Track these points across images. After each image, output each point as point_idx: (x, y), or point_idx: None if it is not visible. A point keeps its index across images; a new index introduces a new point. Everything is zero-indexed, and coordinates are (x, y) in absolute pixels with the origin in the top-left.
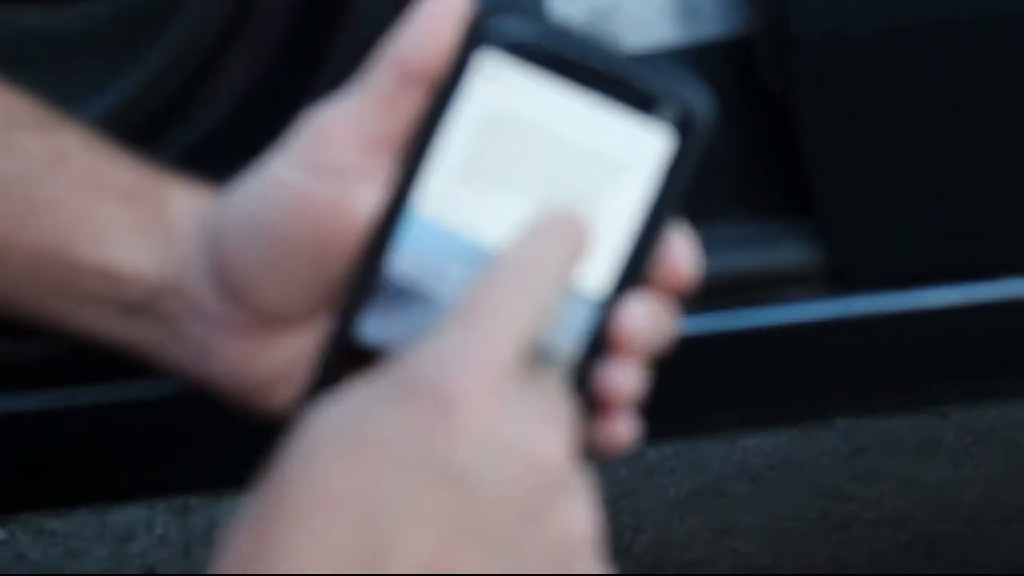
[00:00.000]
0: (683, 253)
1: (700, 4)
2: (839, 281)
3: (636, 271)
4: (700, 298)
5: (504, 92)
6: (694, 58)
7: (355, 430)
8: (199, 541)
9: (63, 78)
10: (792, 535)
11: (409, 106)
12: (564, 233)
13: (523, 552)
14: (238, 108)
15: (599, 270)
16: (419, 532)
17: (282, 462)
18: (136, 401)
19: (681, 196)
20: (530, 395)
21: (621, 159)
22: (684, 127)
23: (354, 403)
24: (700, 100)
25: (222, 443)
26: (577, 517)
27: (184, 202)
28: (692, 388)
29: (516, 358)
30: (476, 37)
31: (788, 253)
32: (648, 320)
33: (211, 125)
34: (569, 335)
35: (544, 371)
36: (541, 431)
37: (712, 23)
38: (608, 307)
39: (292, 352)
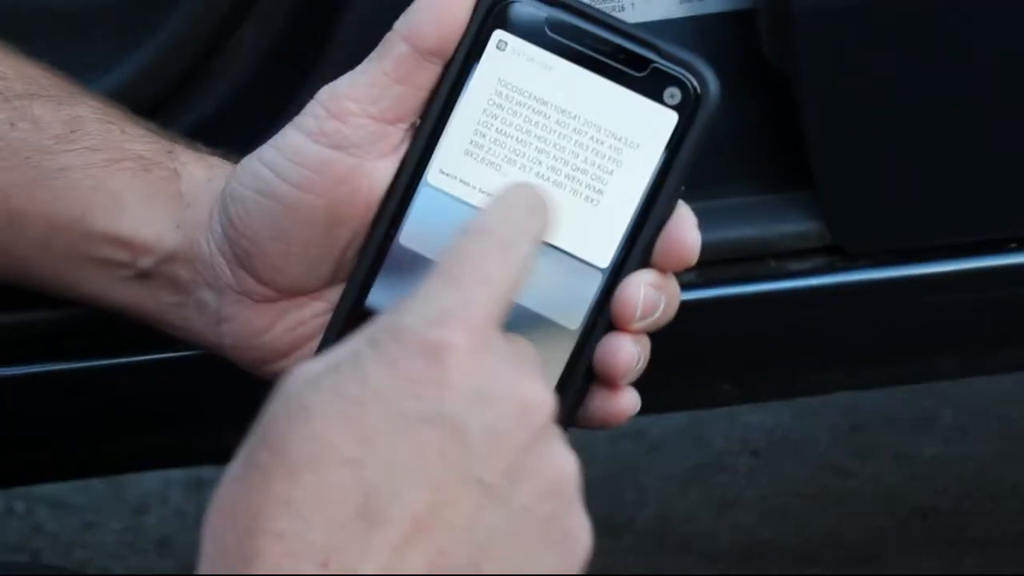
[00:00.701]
0: (687, 229)
1: None
2: (839, 254)
3: (641, 246)
4: (699, 270)
5: (515, 69)
6: (695, 31)
7: (344, 382)
8: None
9: (75, 53)
10: (792, 510)
11: (422, 81)
12: (533, 202)
13: (517, 496)
14: (250, 81)
15: (605, 244)
16: (414, 480)
17: (269, 417)
18: (150, 371)
19: (687, 173)
20: (510, 347)
21: (629, 136)
22: (691, 105)
23: (341, 356)
24: (707, 79)
25: (235, 415)
26: (565, 461)
27: (198, 171)
28: (692, 360)
29: (497, 316)
30: (489, 14)
31: (788, 226)
32: (652, 294)
33: (223, 98)
34: (575, 307)
35: (553, 343)
36: (526, 378)
37: None
38: (613, 281)
39: (304, 322)
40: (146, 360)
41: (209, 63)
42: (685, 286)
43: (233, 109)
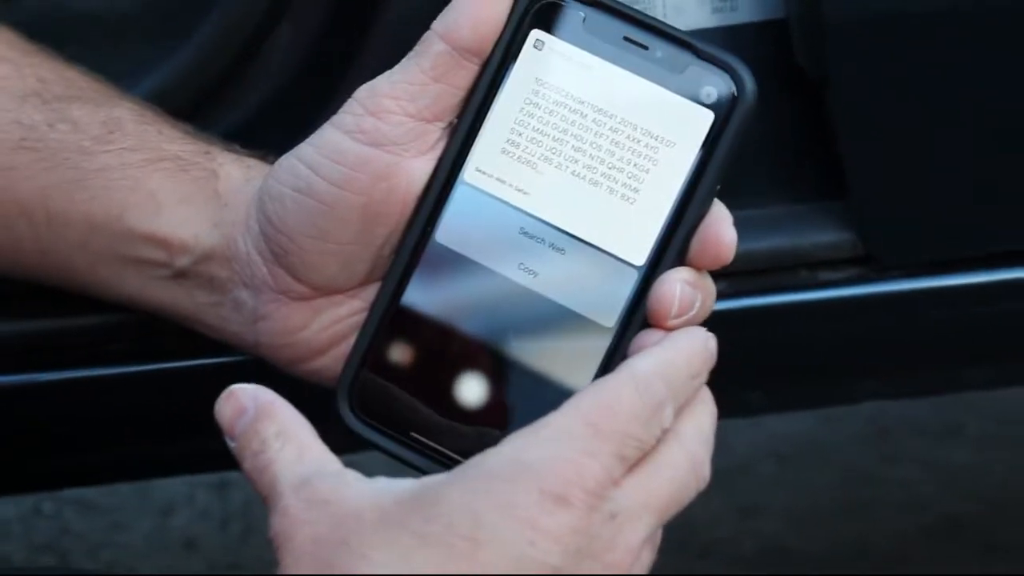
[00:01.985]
0: (723, 227)
1: None
2: (871, 265)
3: (677, 244)
4: (731, 280)
5: (552, 68)
6: (728, 40)
7: (455, 516)
8: (237, 515)
9: (111, 58)
10: (817, 516)
11: (460, 80)
12: (698, 364)
13: None
14: (285, 86)
15: (641, 242)
16: None
17: (365, 533)
18: (179, 377)
19: (723, 172)
20: (617, 504)
21: (665, 134)
22: (728, 104)
23: (444, 483)
24: (743, 78)
25: None
26: None
27: (235, 171)
28: (723, 369)
29: (620, 474)
30: (526, 14)
31: (820, 236)
32: (688, 292)
33: (258, 103)
34: (611, 305)
35: (589, 340)
36: (625, 545)
37: (747, 9)
38: (649, 278)
39: (340, 320)
40: (176, 367)
41: (244, 68)
42: (716, 296)
43: (268, 113)
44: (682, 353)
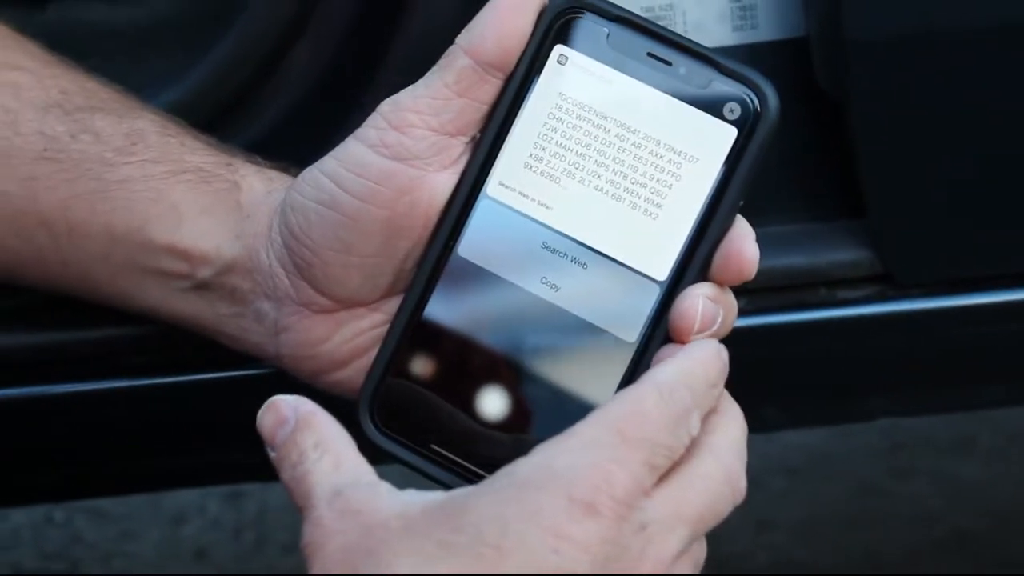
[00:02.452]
0: (746, 243)
1: (756, 7)
2: (889, 284)
3: (699, 260)
4: (750, 297)
5: (576, 83)
6: (748, 58)
7: (482, 523)
8: (250, 525)
9: (131, 71)
10: (829, 530)
11: (483, 95)
12: (715, 374)
13: None
14: (304, 101)
15: (664, 257)
16: None
17: (396, 543)
18: (193, 390)
19: (746, 188)
20: (646, 514)
21: (688, 150)
22: (751, 120)
23: (472, 493)
24: (767, 94)
25: None
26: None
27: (257, 183)
28: (740, 385)
29: (649, 484)
30: (550, 29)
31: (839, 254)
32: (710, 307)
33: (278, 117)
34: (633, 319)
35: (610, 355)
36: (653, 558)
37: (768, 27)
38: (671, 294)
39: (362, 333)
40: (191, 380)
41: (264, 82)
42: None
43: (285, 129)
44: (699, 363)
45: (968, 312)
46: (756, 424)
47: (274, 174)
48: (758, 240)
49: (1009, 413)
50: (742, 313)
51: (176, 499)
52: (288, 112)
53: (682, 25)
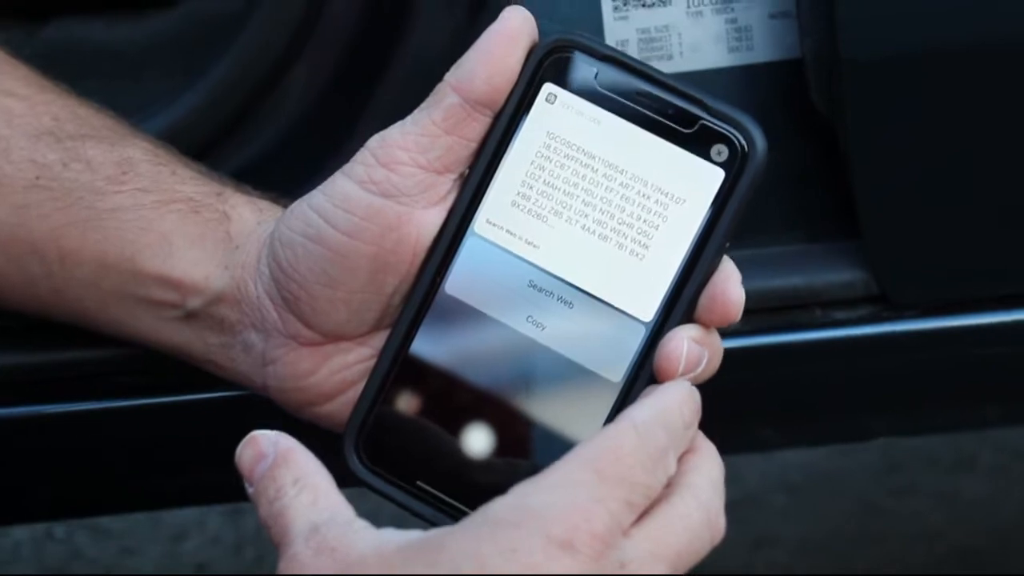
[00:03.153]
0: (731, 286)
1: (752, 29)
2: (885, 304)
3: (685, 301)
4: (746, 318)
5: (564, 122)
6: (744, 79)
7: (459, 560)
8: (250, 541)
9: (128, 92)
10: (828, 548)
11: (472, 132)
12: (689, 414)
13: None
14: (300, 124)
15: (649, 298)
16: None
17: None
18: (191, 408)
19: (733, 230)
20: (626, 553)
21: (675, 191)
22: (738, 162)
23: (452, 531)
24: (754, 136)
25: None
26: None
27: (247, 214)
28: (736, 405)
29: (627, 524)
30: (539, 68)
31: (834, 275)
32: (695, 349)
33: (273, 140)
34: (618, 360)
35: (595, 395)
36: None
37: (763, 48)
38: (656, 334)
39: (349, 366)
40: (189, 400)
41: (258, 107)
42: (731, 334)
43: (284, 149)
44: (674, 403)
45: (963, 333)
46: (752, 444)
47: (264, 204)
48: (753, 260)
49: (1009, 432)
50: (738, 334)
51: (176, 516)
52: (284, 133)
53: (678, 46)
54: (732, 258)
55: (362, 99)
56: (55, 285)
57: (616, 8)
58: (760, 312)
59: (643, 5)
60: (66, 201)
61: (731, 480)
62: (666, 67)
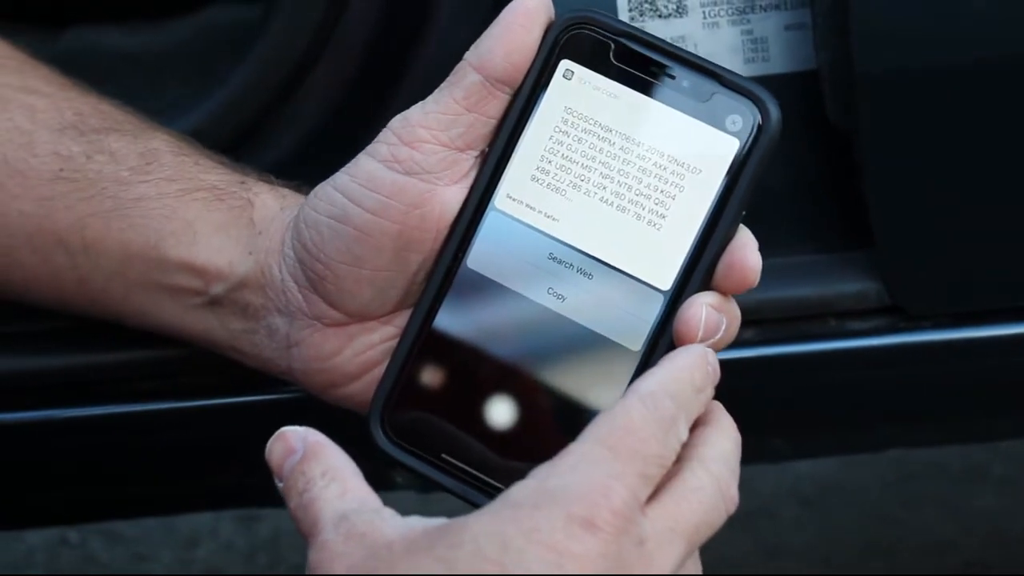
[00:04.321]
0: (748, 252)
1: (768, 40)
2: (898, 315)
3: (703, 269)
4: (758, 328)
5: (582, 97)
6: None
7: (483, 542)
8: (263, 548)
9: (149, 96)
10: (840, 559)
11: (492, 110)
12: (700, 378)
13: None
14: (319, 129)
15: (667, 268)
16: None
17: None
18: (205, 413)
19: (748, 199)
20: (647, 528)
21: (691, 162)
22: (752, 132)
23: (473, 518)
24: (768, 107)
25: None
26: None
27: (270, 200)
28: (748, 415)
29: (645, 495)
30: (556, 44)
31: (848, 286)
32: (713, 315)
33: (294, 143)
34: (638, 329)
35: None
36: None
37: (779, 60)
38: (675, 303)
39: (373, 346)
40: (203, 405)
41: (279, 109)
42: (744, 343)
43: (303, 155)
44: (683, 369)
45: (976, 345)
46: (763, 455)
47: (287, 192)
48: (766, 271)
49: (1021, 444)
50: (750, 343)
51: (189, 522)
52: (304, 139)
53: None
54: None
55: (381, 104)
56: (80, 275)
57: (632, 19)
58: (773, 322)
59: (659, 16)
60: (90, 192)
61: (744, 491)
62: None
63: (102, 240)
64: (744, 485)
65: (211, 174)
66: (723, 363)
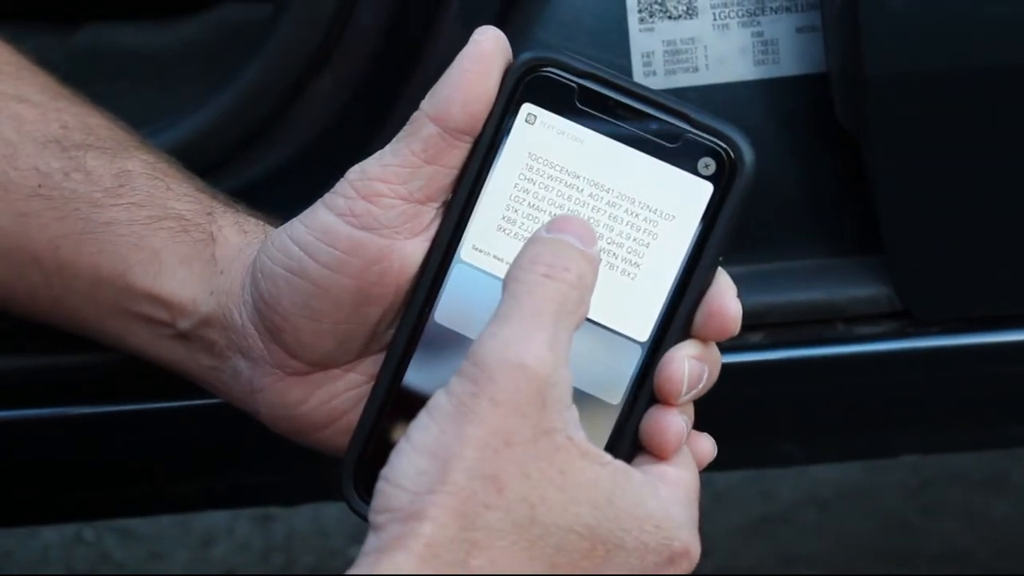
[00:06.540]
0: (727, 299)
1: (778, 42)
2: (908, 320)
3: (681, 319)
4: (767, 332)
5: (545, 142)
6: (769, 93)
7: (463, 417)
8: (278, 548)
9: (157, 96)
10: (858, 565)
11: (452, 160)
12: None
13: None
14: (326, 131)
15: (644, 318)
16: None
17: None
18: (221, 411)
19: (725, 244)
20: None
21: (664, 207)
22: (726, 175)
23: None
24: (741, 148)
25: (300, 458)
26: None
27: (232, 236)
28: (759, 420)
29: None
30: (516, 88)
31: (857, 290)
32: (695, 367)
33: (300, 145)
34: (616, 382)
35: (594, 418)
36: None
37: (789, 62)
38: (654, 354)
39: (338, 395)
40: (219, 403)
41: (288, 109)
42: (753, 347)
43: (311, 156)
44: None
45: (985, 350)
46: (773, 459)
47: (250, 226)
48: (776, 274)
49: None
50: (760, 347)
51: (205, 520)
52: (312, 138)
53: (704, 59)
54: (754, 272)
55: (388, 105)
56: (54, 295)
57: (642, 20)
58: (783, 326)
59: (669, 17)
60: (64, 211)
61: (761, 496)
62: (692, 80)
63: (74, 263)
64: (763, 491)
65: (180, 202)
66: (732, 366)
